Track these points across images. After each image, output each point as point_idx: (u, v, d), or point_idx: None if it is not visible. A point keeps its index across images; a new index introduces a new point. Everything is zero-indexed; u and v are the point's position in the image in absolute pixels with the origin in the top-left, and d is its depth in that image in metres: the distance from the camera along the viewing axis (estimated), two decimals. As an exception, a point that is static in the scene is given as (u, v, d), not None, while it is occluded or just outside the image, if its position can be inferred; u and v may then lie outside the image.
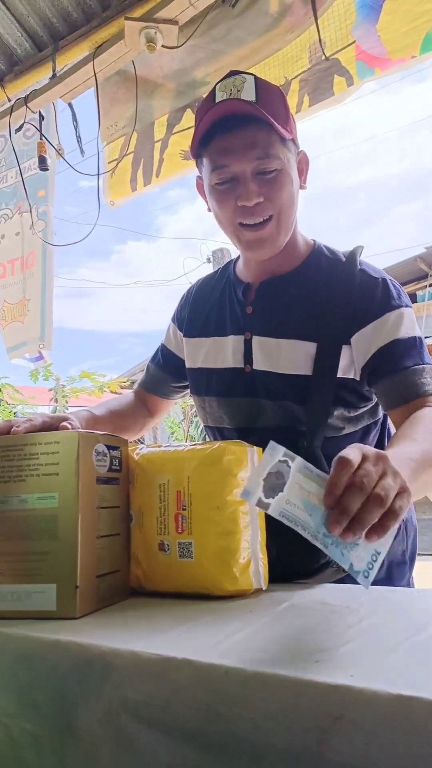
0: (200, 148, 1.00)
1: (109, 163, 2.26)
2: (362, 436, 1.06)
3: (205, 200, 1.07)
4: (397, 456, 0.71)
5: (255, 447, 0.85)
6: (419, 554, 1.12)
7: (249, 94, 0.94)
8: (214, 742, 0.50)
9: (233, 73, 0.97)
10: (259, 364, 1.04)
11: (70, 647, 0.63)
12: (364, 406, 1.03)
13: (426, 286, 9.25)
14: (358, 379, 0.99)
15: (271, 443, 0.60)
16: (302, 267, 1.07)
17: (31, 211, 2.38)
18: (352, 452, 0.62)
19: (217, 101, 0.95)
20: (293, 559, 0.90)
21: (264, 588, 0.82)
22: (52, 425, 0.88)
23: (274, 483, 0.59)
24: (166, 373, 1.28)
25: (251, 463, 0.83)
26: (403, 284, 9.57)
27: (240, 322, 1.09)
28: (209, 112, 0.94)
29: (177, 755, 0.52)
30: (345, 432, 1.02)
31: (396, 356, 0.95)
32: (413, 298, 9.37)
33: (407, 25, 1.62)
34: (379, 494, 0.58)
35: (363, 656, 0.53)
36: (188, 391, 1.25)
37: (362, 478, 0.59)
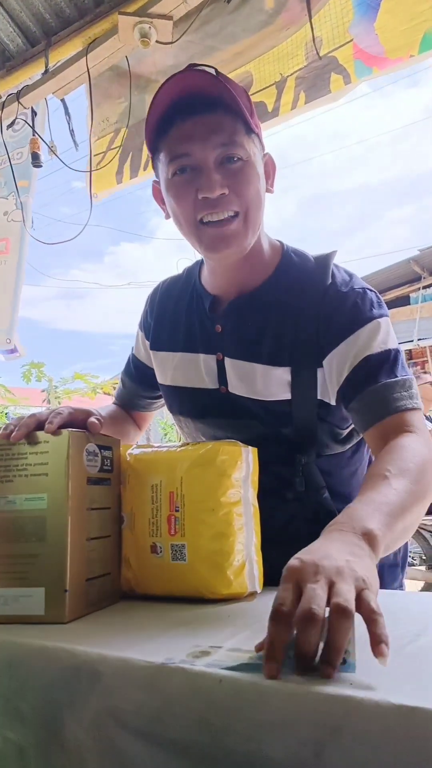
0: (157, 137, 0.89)
1: (95, 156, 2.24)
2: (352, 455, 1.02)
3: (162, 207, 0.97)
4: (368, 505, 0.65)
5: (250, 447, 0.83)
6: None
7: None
8: (206, 754, 0.48)
9: (192, 67, 0.87)
10: (234, 387, 0.98)
11: (57, 653, 0.60)
12: (348, 427, 0.97)
13: (419, 288, 9.28)
14: (333, 403, 0.93)
15: None
16: (271, 279, 0.98)
17: (18, 198, 2.34)
18: (283, 592, 0.52)
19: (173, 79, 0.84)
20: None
21: (259, 591, 0.80)
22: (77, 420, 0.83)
23: None
24: (138, 385, 1.21)
25: (246, 464, 0.81)
26: (397, 287, 9.64)
27: (210, 340, 1.01)
28: (165, 86, 0.84)
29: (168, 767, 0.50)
30: (332, 452, 0.98)
31: (367, 374, 0.88)
32: (406, 300, 9.40)
33: (405, 24, 1.61)
34: (337, 604, 0.49)
35: (361, 664, 0.51)
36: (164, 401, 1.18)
37: (309, 605, 0.49)
